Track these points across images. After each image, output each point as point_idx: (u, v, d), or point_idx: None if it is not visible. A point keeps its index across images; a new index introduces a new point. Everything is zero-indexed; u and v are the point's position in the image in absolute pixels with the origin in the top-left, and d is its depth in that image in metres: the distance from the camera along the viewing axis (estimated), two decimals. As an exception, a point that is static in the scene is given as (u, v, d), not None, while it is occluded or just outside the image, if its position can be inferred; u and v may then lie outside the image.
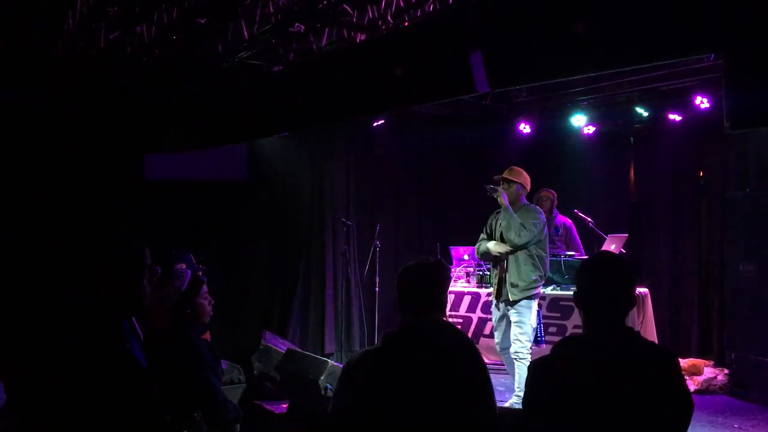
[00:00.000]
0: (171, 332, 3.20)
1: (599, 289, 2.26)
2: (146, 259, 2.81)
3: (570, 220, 7.83)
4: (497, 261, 5.94)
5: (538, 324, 6.06)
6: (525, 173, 6.00)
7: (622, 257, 2.40)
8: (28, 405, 2.54)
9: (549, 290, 7.35)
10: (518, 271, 5.76)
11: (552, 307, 7.27)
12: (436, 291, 2.65)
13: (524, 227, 5.73)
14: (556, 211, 7.83)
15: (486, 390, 2.54)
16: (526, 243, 5.74)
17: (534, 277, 5.80)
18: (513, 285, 5.76)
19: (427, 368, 2.37)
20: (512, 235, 5.71)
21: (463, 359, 2.49)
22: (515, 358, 5.82)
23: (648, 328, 7.24)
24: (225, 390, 3.64)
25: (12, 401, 2.62)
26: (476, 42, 3.88)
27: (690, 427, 2.19)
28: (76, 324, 2.75)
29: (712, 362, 7.31)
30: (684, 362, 7.07)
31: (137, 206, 6.37)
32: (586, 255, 7.51)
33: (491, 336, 7.62)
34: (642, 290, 7.37)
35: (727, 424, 5.84)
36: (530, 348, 5.80)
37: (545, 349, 7.38)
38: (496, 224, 6.00)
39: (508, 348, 5.91)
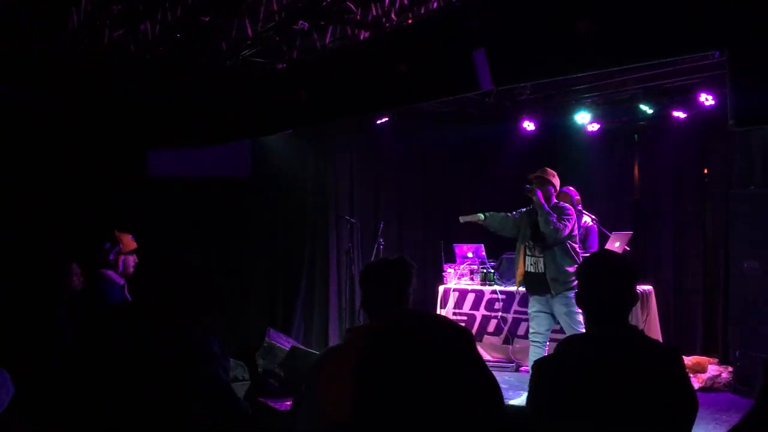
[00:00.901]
0: (177, 328, 3.21)
1: (600, 288, 2.26)
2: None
3: (591, 223, 7.73)
4: (532, 255, 6.09)
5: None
6: (556, 175, 6.22)
7: (622, 255, 2.40)
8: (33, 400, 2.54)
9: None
10: (556, 266, 5.91)
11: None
12: (401, 288, 2.66)
13: (563, 222, 5.90)
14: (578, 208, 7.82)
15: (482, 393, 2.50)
16: (564, 237, 5.90)
17: (572, 269, 5.93)
18: (553, 279, 5.89)
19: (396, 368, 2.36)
20: (549, 230, 5.87)
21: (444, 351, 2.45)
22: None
23: (652, 325, 7.23)
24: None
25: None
26: (480, 40, 3.88)
27: (694, 424, 2.19)
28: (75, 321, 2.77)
29: (716, 360, 7.30)
30: (688, 360, 7.06)
31: (141, 203, 6.38)
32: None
33: (495, 333, 7.66)
34: (646, 288, 7.36)
35: (731, 421, 5.81)
36: None
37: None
38: (526, 222, 6.14)
39: (540, 343, 6.01)
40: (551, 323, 6.04)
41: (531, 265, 6.08)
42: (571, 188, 7.62)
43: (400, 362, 1.39)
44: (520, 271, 6.22)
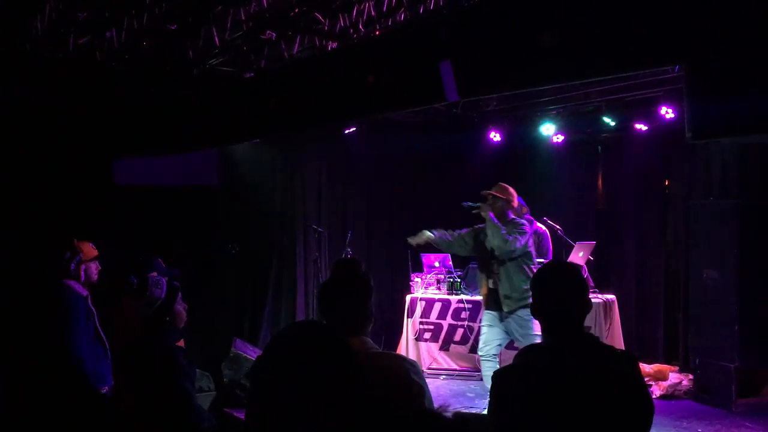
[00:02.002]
0: (146, 340, 3.18)
1: (552, 298, 2.31)
2: None
3: (544, 229, 7.89)
4: (488, 271, 6.02)
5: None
6: (512, 190, 6.12)
7: (572, 264, 2.46)
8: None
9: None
10: (510, 283, 5.84)
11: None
12: (359, 305, 2.64)
13: (514, 236, 5.80)
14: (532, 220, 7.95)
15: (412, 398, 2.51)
16: (514, 250, 5.80)
17: (526, 287, 5.81)
18: (506, 297, 5.83)
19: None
20: (499, 242, 5.77)
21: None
22: None
23: (615, 334, 7.34)
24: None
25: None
26: (446, 51, 3.93)
27: (655, 431, 2.24)
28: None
29: (677, 368, 7.43)
30: (650, 368, 7.18)
31: (107, 213, 6.30)
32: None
33: (461, 342, 7.71)
34: (609, 297, 7.48)
35: (691, 428, 5.95)
36: None
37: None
38: (480, 238, 6.06)
39: (491, 356, 5.97)
40: (503, 338, 6.00)
41: (491, 282, 6.01)
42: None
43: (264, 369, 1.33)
44: (483, 291, 6.13)
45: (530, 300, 5.72)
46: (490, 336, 6.00)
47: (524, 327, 5.80)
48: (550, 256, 7.83)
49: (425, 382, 2.71)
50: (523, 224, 5.97)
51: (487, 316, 6.09)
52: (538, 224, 7.80)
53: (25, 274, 4.77)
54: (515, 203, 6.10)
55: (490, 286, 6.00)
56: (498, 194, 6.02)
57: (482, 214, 5.92)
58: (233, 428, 5.63)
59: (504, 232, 5.78)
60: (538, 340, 5.57)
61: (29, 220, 5.95)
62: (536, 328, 5.85)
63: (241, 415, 5.83)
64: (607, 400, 2.14)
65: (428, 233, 6.15)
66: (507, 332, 5.95)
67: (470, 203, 6.04)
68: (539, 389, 2.17)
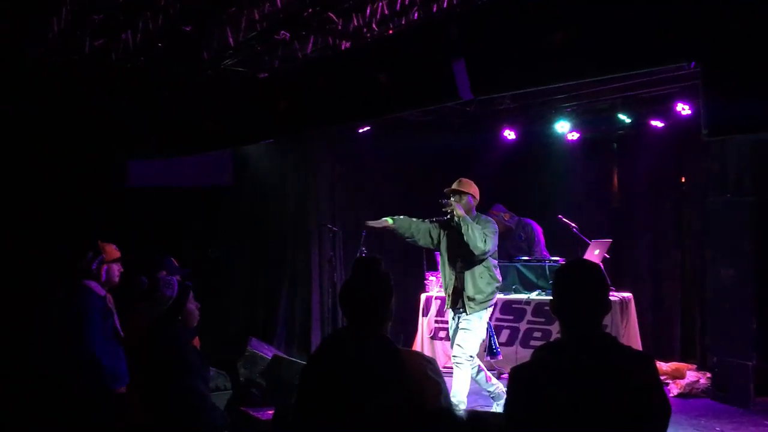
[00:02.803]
0: (157, 340, 3.21)
1: (572, 296, 2.30)
2: None
3: (533, 222, 7.95)
4: (453, 271, 5.81)
5: (491, 335, 5.90)
6: (474, 184, 5.88)
7: (593, 263, 2.44)
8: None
9: (534, 295, 7.41)
10: (475, 285, 5.66)
11: (537, 313, 7.32)
12: (374, 305, 2.67)
13: (486, 235, 5.62)
14: (516, 219, 8.05)
15: (398, 398, 2.54)
16: (487, 251, 5.62)
17: (491, 290, 5.73)
18: (470, 299, 5.65)
19: (343, 377, 2.41)
20: (479, 243, 5.53)
21: (377, 371, 2.47)
22: (453, 363, 5.70)
23: (632, 333, 7.30)
24: (211, 396, 3.65)
25: None
26: (459, 50, 3.93)
27: (672, 430, 2.23)
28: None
29: (694, 366, 7.38)
30: (667, 366, 7.13)
31: (121, 213, 6.36)
32: (566, 260, 7.57)
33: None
34: (625, 295, 7.44)
35: (709, 427, 5.90)
36: (470, 357, 5.63)
37: (502, 359, 7.41)
38: (444, 234, 5.85)
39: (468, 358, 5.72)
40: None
41: (456, 281, 5.78)
42: (496, 207, 7.84)
43: (322, 371, 1.40)
44: (450, 290, 5.83)
45: (491, 303, 5.63)
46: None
47: (470, 322, 5.60)
48: (543, 251, 7.86)
49: (443, 379, 2.73)
50: (491, 222, 5.79)
51: (450, 320, 5.90)
52: (527, 220, 7.91)
53: (41, 274, 4.82)
54: (478, 198, 5.88)
55: (453, 285, 5.79)
56: (462, 189, 5.80)
57: (456, 212, 5.64)
58: (250, 427, 5.66)
59: (481, 232, 5.56)
60: (473, 339, 5.52)
61: (45, 221, 6.02)
62: (482, 328, 5.71)
63: (258, 414, 5.88)
64: (621, 400, 2.13)
65: (389, 219, 5.85)
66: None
67: (444, 200, 5.78)
68: (555, 387, 2.16)
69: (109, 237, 4.54)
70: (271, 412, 5.81)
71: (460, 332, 5.69)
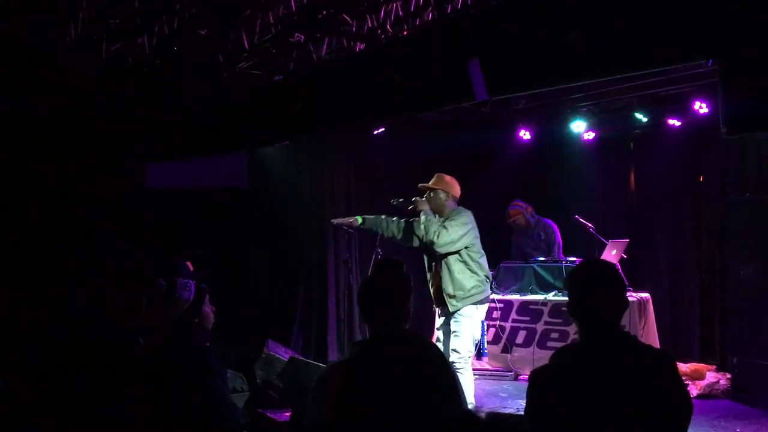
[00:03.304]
0: (177, 342, 3.22)
1: (589, 297, 2.29)
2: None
3: (553, 223, 7.92)
4: (433, 268, 5.58)
5: (482, 334, 5.77)
6: (450, 179, 5.65)
7: (609, 263, 2.42)
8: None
9: (551, 296, 7.37)
10: (452, 281, 5.36)
11: (554, 314, 7.28)
12: (400, 302, 2.65)
13: (445, 227, 5.34)
14: (536, 218, 7.98)
15: (455, 398, 2.52)
16: (448, 243, 5.33)
17: (473, 284, 5.38)
18: (450, 296, 5.37)
19: (397, 379, 2.37)
20: (430, 235, 5.32)
21: (431, 368, 2.45)
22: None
23: (650, 333, 7.25)
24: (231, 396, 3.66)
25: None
26: (474, 50, 3.92)
27: (692, 431, 2.20)
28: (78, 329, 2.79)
29: (714, 366, 7.30)
30: (686, 367, 7.07)
31: (138, 215, 6.40)
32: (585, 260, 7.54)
33: (493, 342, 7.66)
34: (643, 295, 7.39)
35: (729, 428, 5.84)
36: (468, 358, 5.42)
37: (518, 360, 7.35)
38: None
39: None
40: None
41: (431, 280, 5.57)
42: (518, 202, 7.80)
43: (373, 376, 1.39)
44: (432, 290, 5.60)
45: (481, 296, 5.42)
46: (441, 338, 5.57)
47: (459, 323, 5.37)
48: (560, 252, 7.81)
49: (457, 377, 2.72)
50: (465, 213, 5.50)
51: (437, 318, 5.73)
52: (546, 220, 7.87)
53: (59, 275, 4.86)
54: (457, 193, 5.61)
55: (433, 285, 5.57)
56: (435, 186, 5.58)
57: (419, 208, 5.45)
58: (267, 429, 5.68)
59: (436, 224, 5.35)
60: (466, 340, 5.39)
61: (64, 223, 6.07)
62: (474, 327, 5.50)
63: (275, 416, 5.89)
64: (644, 399, 2.11)
65: (358, 218, 5.76)
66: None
67: (399, 199, 5.67)
68: (576, 388, 2.15)
69: (127, 238, 4.57)
70: (288, 413, 5.83)
71: (452, 338, 5.42)
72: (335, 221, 5.97)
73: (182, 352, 3.06)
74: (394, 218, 5.80)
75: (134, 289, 4.39)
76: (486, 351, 5.92)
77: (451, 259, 5.39)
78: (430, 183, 5.64)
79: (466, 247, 5.40)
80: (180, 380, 2.91)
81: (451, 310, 5.39)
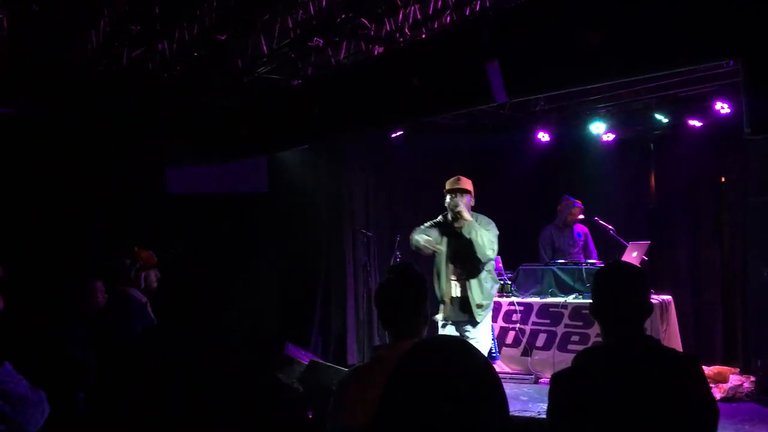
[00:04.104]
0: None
1: (614, 299, 2.26)
2: None
3: (586, 228, 7.85)
4: (455, 277, 5.44)
5: (492, 338, 5.71)
6: (469, 181, 5.52)
7: (634, 265, 2.40)
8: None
9: (571, 299, 7.33)
10: (482, 291, 5.35)
11: (574, 316, 7.24)
12: (417, 307, 2.65)
13: (492, 241, 5.30)
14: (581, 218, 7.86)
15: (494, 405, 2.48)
16: (493, 257, 5.39)
17: (494, 291, 5.56)
18: (479, 306, 5.33)
19: (436, 386, 2.33)
20: (488, 251, 5.25)
21: (472, 377, 2.40)
22: None
23: (672, 335, 7.18)
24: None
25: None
26: (493, 52, 3.91)
27: (716, 434, 2.18)
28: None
29: (737, 369, 7.22)
30: (709, 370, 6.99)
31: (160, 220, 6.46)
32: (604, 262, 7.48)
33: (513, 345, 7.62)
34: (666, 297, 7.32)
35: (753, 431, 5.78)
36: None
37: (537, 363, 7.29)
38: (443, 237, 5.48)
39: None
40: None
41: (458, 288, 5.40)
42: (577, 202, 7.72)
43: (428, 383, 1.39)
44: (447, 298, 5.44)
45: (493, 305, 5.45)
46: None
47: (479, 331, 5.35)
48: (595, 254, 7.75)
49: (502, 384, 2.69)
50: (493, 225, 5.44)
51: (442, 329, 5.48)
52: (581, 224, 7.78)
53: (82, 282, 4.90)
54: (473, 195, 5.53)
55: (456, 293, 5.39)
56: (464, 187, 5.43)
57: (463, 215, 5.29)
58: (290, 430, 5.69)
59: (489, 239, 5.24)
60: (486, 348, 5.30)
61: (88, 228, 6.14)
62: (489, 333, 5.52)
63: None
64: (667, 403, 2.09)
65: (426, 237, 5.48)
66: None
67: (451, 200, 5.40)
68: (599, 391, 2.13)
69: (148, 243, 4.61)
70: (308, 417, 5.84)
71: (474, 345, 5.39)
72: (422, 242, 5.49)
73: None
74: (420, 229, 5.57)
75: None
76: (497, 355, 5.87)
77: (483, 269, 5.38)
78: (455, 185, 5.46)
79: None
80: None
81: (477, 320, 5.37)
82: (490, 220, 5.50)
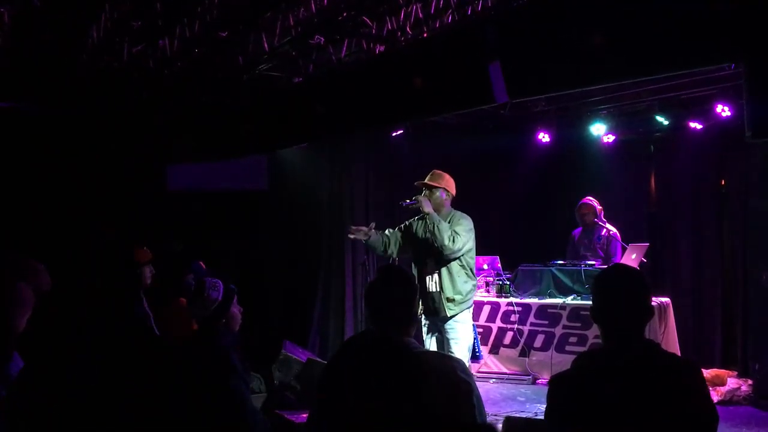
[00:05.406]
0: (202, 342, 3.24)
1: (614, 303, 2.26)
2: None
3: (615, 230, 7.64)
4: (423, 272, 5.43)
5: (474, 338, 5.64)
6: (448, 177, 5.52)
7: (635, 268, 2.39)
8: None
9: (569, 300, 7.32)
10: (453, 284, 5.30)
11: (572, 317, 7.23)
12: (402, 307, 2.66)
13: (457, 233, 5.26)
14: (603, 221, 7.70)
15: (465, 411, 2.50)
16: (460, 250, 5.28)
17: (469, 288, 5.40)
18: (449, 300, 5.30)
19: (358, 382, 2.36)
20: (446, 242, 5.18)
21: (394, 376, 2.40)
22: None
23: (670, 338, 7.17)
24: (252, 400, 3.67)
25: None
26: (495, 53, 3.91)
27: (714, 438, 2.17)
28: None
29: (735, 373, 7.22)
30: (707, 373, 6.99)
31: (160, 217, 6.46)
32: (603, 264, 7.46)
33: (511, 346, 7.62)
34: (664, 300, 7.31)
35: (751, 435, 5.77)
36: (469, 364, 5.38)
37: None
38: (418, 231, 5.47)
39: None
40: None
41: (429, 282, 5.37)
42: (592, 199, 7.64)
43: (339, 373, 1.41)
44: (425, 294, 5.37)
45: (471, 302, 5.39)
46: (431, 345, 5.44)
47: (456, 330, 5.31)
48: (618, 259, 7.64)
49: (473, 380, 2.68)
50: (466, 217, 5.42)
51: (431, 326, 5.49)
52: (609, 226, 7.64)
53: (81, 278, 4.91)
54: (454, 191, 5.53)
55: (432, 288, 5.36)
56: (432, 183, 5.43)
57: (422, 209, 5.28)
58: (284, 430, 5.69)
59: (448, 229, 5.21)
60: (466, 346, 5.30)
61: (87, 225, 6.13)
62: (469, 332, 5.46)
63: (292, 417, 5.90)
64: (666, 408, 2.09)
65: (367, 230, 5.49)
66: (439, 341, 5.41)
67: (408, 201, 5.46)
68: (597, 395, 2.13)
69: (149, 239, 4.62)
70: (305, 415, 5.83)
71: (452, 345, 5.34)
72: (353, 228, 5.65)
73: (207, 353, 3.08)
74: (387, 232, 5.61)
75: (159, 290, 4.43)
76: (480, 354, 5.83)
77: (454, 263, 5.34)
78: (427, 180, 5.49)
79: (466, 252, 5.37)
80: (203, 381, 2.92)
81: (448, 315, 5.32)
82: (464, 215, 5.47)
